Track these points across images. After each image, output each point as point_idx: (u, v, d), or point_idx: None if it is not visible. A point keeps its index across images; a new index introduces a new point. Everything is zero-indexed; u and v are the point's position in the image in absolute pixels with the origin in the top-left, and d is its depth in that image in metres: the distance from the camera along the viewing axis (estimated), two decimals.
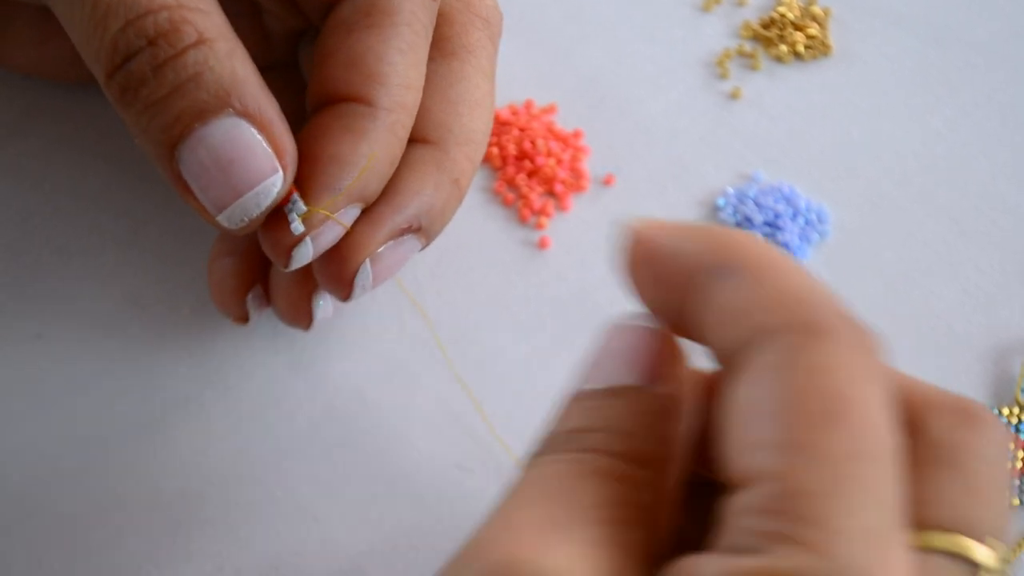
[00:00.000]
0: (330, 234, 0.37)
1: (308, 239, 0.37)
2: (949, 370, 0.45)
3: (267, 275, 0.42)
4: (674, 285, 0.28)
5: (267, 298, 0.43)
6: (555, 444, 0.28)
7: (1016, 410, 0.44)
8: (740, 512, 0.24)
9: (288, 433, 0.43)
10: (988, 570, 0.27)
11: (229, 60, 0.34)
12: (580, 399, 0.29)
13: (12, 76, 0.49)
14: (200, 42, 0.34)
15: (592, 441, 0.27)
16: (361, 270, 0.38)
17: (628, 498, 0.27)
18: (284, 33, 0.43)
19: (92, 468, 0.42)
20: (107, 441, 0.42)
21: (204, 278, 0.44)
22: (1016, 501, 0.42)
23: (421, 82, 0.38)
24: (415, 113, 0.38)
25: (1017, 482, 0.42)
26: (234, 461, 0.42)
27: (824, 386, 0.25)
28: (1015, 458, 0.43)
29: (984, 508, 0.28)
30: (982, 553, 0.27)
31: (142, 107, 0.34)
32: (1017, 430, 0.43)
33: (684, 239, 0.28)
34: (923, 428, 0.28)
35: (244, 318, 0.43)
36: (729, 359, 0.27)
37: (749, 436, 0.25)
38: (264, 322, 0.44)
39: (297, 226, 0.36)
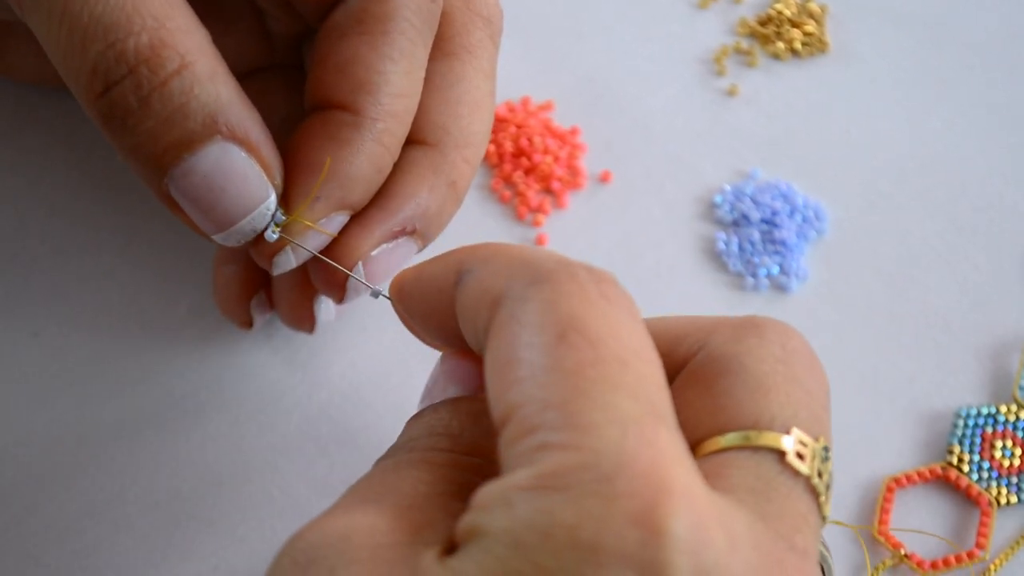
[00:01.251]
0: (313, 241, 0.37)
1: (290, 248, 0.36)
2: (946, 368, 0.45)
3: (270, 280, 0.42)
4: (440, 311, 0.31)
5: (270, 303, 0.43)
6: (391, 452, 0.31)
7: (1014, 407, 0.44)
8: (506, 445, 0.26)
9: (284, 432, 0.43)
10: (790, 453, 0.28)
11: (213, 83, 0.34)
12: (415, 417, 0.33)
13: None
14: (183, 67, 0.33)
15: (420, 443, 0.31)
16: (353, 272, 0.38)
17: (451, 477, 0.29)
18: (286, 34, 0.43)
19: (88, 467, 0.42)
20: (103, 440, 0.42)
21: (201, 277, 0.44)
22: (1014, 498, 0.42)
23: (416, 89, 0.38)
24: (408, 120, 0.38)
25: (1016, 479, 0.42)
26: (230, 460, 0.42)
27: (550, 316, 0.27)
28: (1013, 455, 0.43)
29: (778, 403, 0.29)
30: (779, 440, 0.28)
31: (128, 135, 0.34)
32: (1015, 427, 0.43)
33: (430, 267, 0.32)
34: (707, 346, 0.30)
35: (248, 323, 0.43)
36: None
37: (496, 384, 0.27)
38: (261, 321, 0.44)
39: (270, 234, 0.36)
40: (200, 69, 0.34)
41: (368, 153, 0.36)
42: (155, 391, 0.43)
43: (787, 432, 0.28)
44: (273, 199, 0.35)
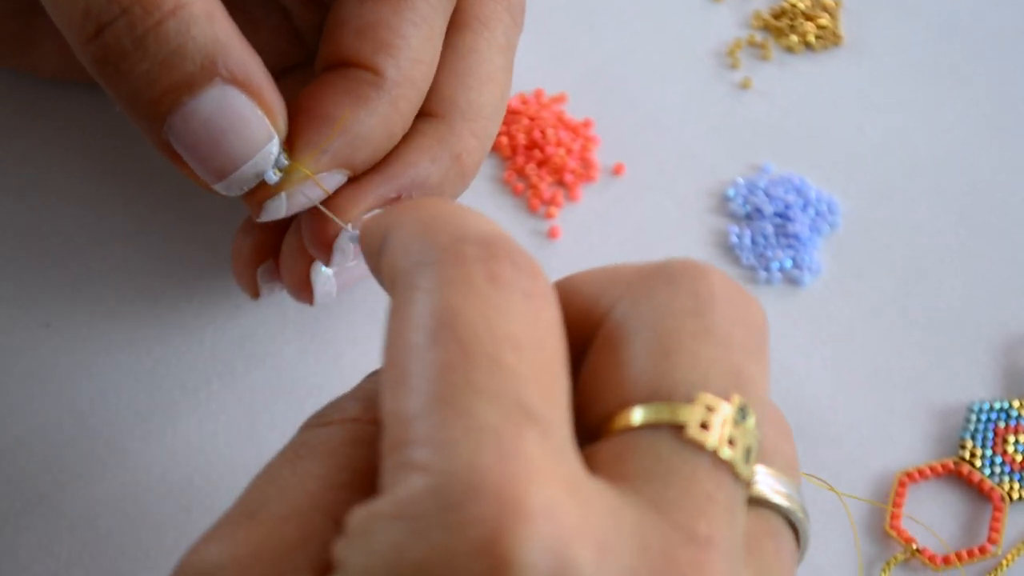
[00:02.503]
0: (309, 194, 0.36)
1: (283, 194, 0.36)
2: (959, 362, 0.45)
3: (279, 250, 0.42)
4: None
5: (278, 274, 0.42)
6: (303, 427, 0.30)
7: None
8: (382, 456, 0.24)
9: (297, 421, 0.42)
10: (690, 426, 0.25)
11: (210, 24, 0.33)
12: None
13: None
14: (179, 7, 0.32)
15: (328, 416, 0.29)
16: (341, 234, 0.37)
17: (349, 459, 0.27)
18: (313, 29, 0.43)
19: (100, 457, 0.42)
20: (115, 430, 0.42)
21: (214, 268, 0.44)
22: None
23: (434, 58, 0.37)
24: (424, 89, 0.37)
25: (1019, 475, 0.42)
26: (243, 449, 0.42)
27: (426, 309, 0.25)
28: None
29: (682, 367, 0.26)
30: (676, 412, 0.25)
31: (123, 80, 0.33)
32: None
33: (369, 226, 0.30)
34: (617, 305, 0.27)
35: (255, 291, 0.42)
36: None
37: (382, 382, 0.25)
38: (273, 310, 0.44)
39: (271, 176, 0.35)
40: (197, 9, 0.33)
41: (382, 114, 0.36)
42: (167, 381, 0.43)
43: (690, 400, 0.25)
44: (276, 143, 0.35)
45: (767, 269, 0.47)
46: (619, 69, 0.52)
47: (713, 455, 0.25)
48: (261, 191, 0.36)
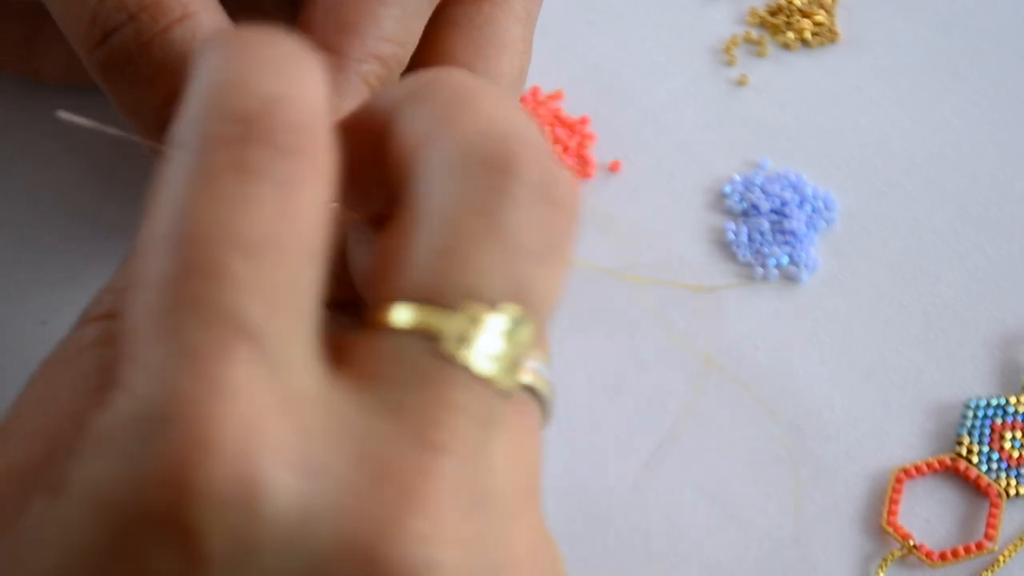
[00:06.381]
0: None
1: None
2: (956, 358, 0.45)
3: None
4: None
5: None
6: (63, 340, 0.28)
7: None
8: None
9: None
10: (447, 339, 0.23)
11: None
12: None
13: None
14: (185, 15, 0.33)
15: (81, 317, 0.28)
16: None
17: (96, 365, 0.26)
18: None
19: None
20: None
21: None
22: (1023, 490, 0.42)
23: (408, 39, 0.36)
24: (397, 71, 0.36)
25: (1016, 471, 0.42)
26: None
27: (167, 206, 0.23)
28: (1022, 446, 0.43)
29: (457, 271, 0.24)
30: (434, 321, 0.23)
31: (128, 85, 0.33)
32: None
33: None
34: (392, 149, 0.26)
35: None
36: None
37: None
38: None
39: None
40: (204, 19, 0.33)
41: (354, 96, 0.35)
42: None
43: (454, 308, 0.23)
44: None
45: (764, 266, 0.47)
46: (615, 66, 0.52)
47: (466, 369, 0.23)
48: None
